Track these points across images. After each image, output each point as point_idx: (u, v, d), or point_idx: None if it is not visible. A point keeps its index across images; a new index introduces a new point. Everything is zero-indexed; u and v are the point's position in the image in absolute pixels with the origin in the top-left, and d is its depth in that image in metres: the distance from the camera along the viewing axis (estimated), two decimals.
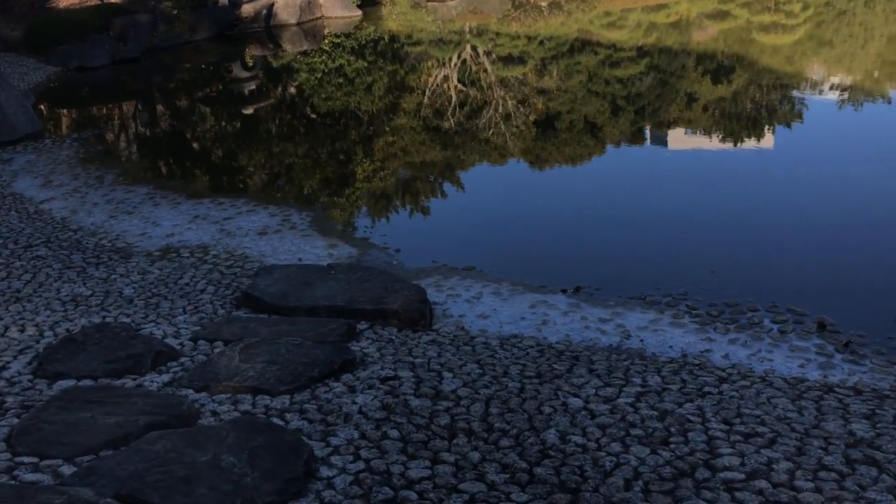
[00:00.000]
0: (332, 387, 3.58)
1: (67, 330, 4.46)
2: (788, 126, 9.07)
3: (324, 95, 12.14)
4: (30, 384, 3.73)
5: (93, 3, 17.55)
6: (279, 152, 9.10)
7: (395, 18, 20.08)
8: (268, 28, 18.04)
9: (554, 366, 3.85)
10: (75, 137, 10.06)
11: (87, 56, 15.06)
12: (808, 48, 13.81)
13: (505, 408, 3.35)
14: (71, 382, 3.75)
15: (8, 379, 3.80)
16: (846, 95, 10.44)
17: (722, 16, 17.68)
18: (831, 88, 10.81)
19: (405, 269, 5.41)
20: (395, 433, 3.13)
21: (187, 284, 5.30)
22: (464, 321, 4.62)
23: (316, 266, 5.34)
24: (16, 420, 3.26)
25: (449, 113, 10.41)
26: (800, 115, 9.49)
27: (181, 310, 4.85)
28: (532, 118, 9.92)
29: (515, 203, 6.99)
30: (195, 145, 9.71)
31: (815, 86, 11.03)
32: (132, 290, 5.18)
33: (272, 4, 18.05)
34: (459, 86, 12.00)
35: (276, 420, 3.25)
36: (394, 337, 4.33)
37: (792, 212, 6.24)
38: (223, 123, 10.98)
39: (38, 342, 4.30)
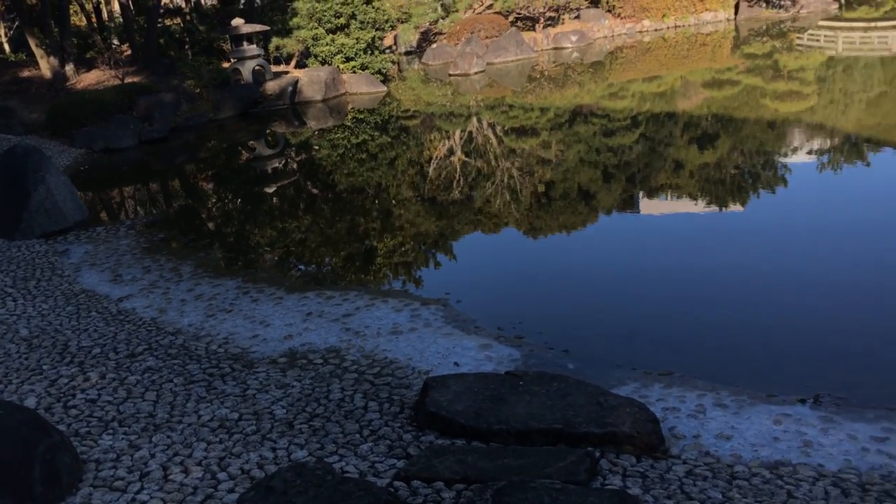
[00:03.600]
0: None
1: (242, 469, 3.69)
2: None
3: (387, 174, 11.57)
4: None
5: (112, 82, 17.04)
6: (361, 235, 8.44)
7: (414, 91, 19.79)
8: (293, 105, 17.60)
9: None
10: (129, 225, 9.35)
11: (113, 137, 14.47)
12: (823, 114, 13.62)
13: None
14: None
15: None
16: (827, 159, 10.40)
17: (726, 84, 17.57)
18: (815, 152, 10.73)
19: (590, 375, 4.70)
20: None
21: (342, 401, 4.56)
22: (703, 443, 3.91)
23: (495, 375, 4.61)
24: None
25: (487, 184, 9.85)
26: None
27: (357, 435, 4.10)
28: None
29: (655, 283, 6.33)
30: (264, 230, 9.02)
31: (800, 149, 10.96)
32: (283, 411, 4.42)
33: (297, 81, 17.64)
34: (468, 158, 11.51)
35: None
36: (642, 470, 3.61)
37: None
38: (283, 205, 10.32)
39: (215, 488, 3.52)
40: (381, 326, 5.75)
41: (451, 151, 12.61)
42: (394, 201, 9.82)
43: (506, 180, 10.33)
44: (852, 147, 10.97)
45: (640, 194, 9.54)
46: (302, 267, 7.64)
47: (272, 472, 3.64)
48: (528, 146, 12.55)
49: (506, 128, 14.41)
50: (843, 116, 13.05)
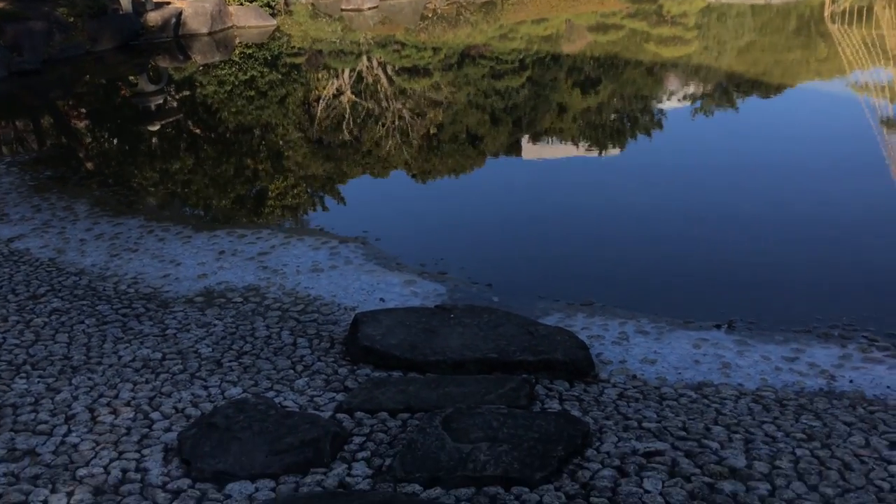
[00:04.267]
0: (592, 469, 2.96)
1: (175, 409, 3.58)
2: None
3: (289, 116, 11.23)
4: (196, 491, 2.88)
5: None
6: (269, 174, 8.20)
7: (303, 26, 19.21)
8: (177, 38, 16.71)
9: (802, 421, 3.39)
10: (9, 161, 8.71)
11: None
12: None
13: (836, 485, 2.85)
14: (247, 485, 2.93)
15: (159, 486, 2.92)
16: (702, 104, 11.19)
17: (611, 28, 18.03)
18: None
19: (516, 307, 4.78)
20: None
21: (269, 338, 4.47)
22: (629, 368, 4.07)
23: (425, 309, 4.63)
24: None
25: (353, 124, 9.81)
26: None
27: (291, 371, 4.04)
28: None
29: (564, 220, 6.51)
30: (160, 169, 8.60)
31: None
32: (209, 350, 4.30)
33: (181, 12, 16.74)
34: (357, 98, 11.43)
35: None
36: (577, 394, 3.74)
37: None
38: (177, 144, 9.86)
39: (150, 428, 3.40)
40: (300, 264, 5.64)
41: (340, 91, 12.38)
42: (284, 142, 9.57)
43: (406, 122, 10.25)
44: (723, 93, 11.59)
45: (536, 137, 9.70)
46: (208, 206, 7.36)
47: (209, 409, 3.54)
48: (420, 87, 12.50)
49: (397, 67, 14.26)
50: (715, 62, 13.67)
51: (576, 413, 3.48)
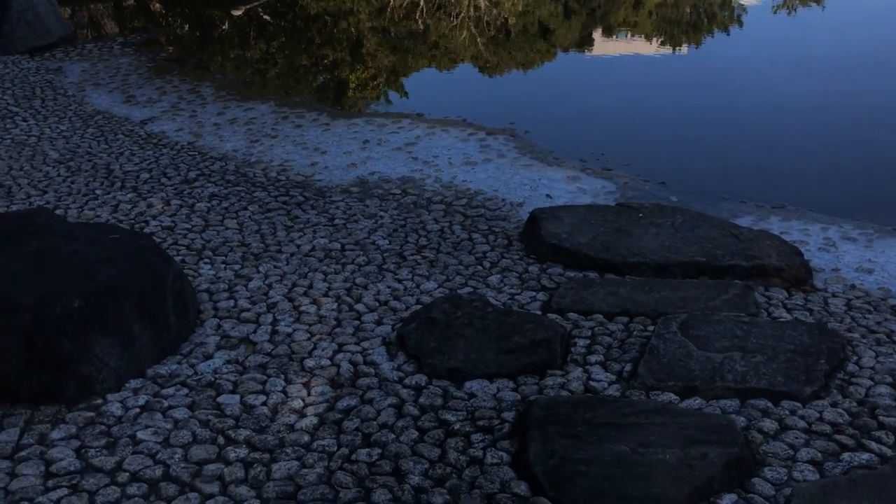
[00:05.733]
0: (864, 385, 2.71)
1: (378, 301, 3.41)
2: None
3: None
4: (437, 388, 2.72)
5: None
6: (399, 60, 7.86)
7: None
8: None
9: None
10: (122, 42, 8.50)
11: None
12: None
13: None
14: (486, 384, 2.76)
15: (396, 381, 2.77)
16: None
17: None
18: None
19: (699, 208, 4.46)
20: None
21: (442, 232, 4.25)
22: (844, 277, 3.77)
23: (608, 207, 4.36)
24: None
25: None
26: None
27: (479, 267, 3.83)
28: None
29: (707, 110, 6.13)
30: (284, 52, 8.31)
31: None
32: (386, 242, 4.10)
33: None
34: None
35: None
36: (801, 303, 3.46)
37: None
38: (295, 29, 9.53)
39: (359, 320, 3.24)
40: (452, 156, 5.37)
41: None
42: (421, 27, 9.16)
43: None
44: None
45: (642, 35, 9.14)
46: (339, 92, 7.09)
47: (411, 303, 3.37)
48: None
49: None
50: None
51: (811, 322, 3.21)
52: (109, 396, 2.61)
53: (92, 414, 2.51)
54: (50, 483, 2.18)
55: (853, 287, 3.67)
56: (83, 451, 2.33)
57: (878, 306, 3.46)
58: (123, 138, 5.76)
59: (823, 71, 7.22)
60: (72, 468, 2.25)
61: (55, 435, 2.40)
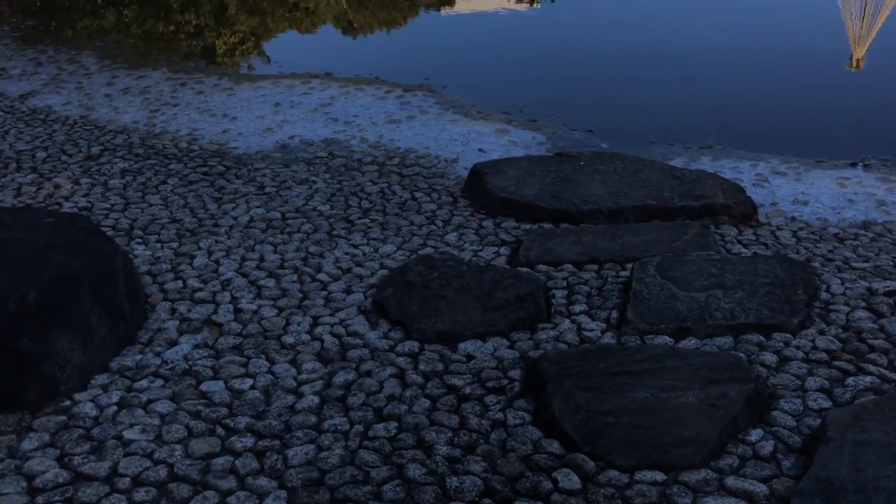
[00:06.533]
0: (842, 311, 2.79)
1: (339, 269, 3.24)
2: None
3: None
4: (433, 353, 2.60)
5: None
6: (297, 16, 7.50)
7: None
8: None
9: None
10: None
11: None
12: None
13: None
14: (481, 344, 2.66)
15: (388, 349, 2.63)
16: None
17: None
18: None
19: (633, 153, 4.49)
20: None
21: (383, 193, 4.09)
22: (784, 210, 3.89)
23: (548, 157, 4.32)
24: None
25: None
26: None
27: (433, 226, 3.71)
28: None
29: (609, 54, 6.20)
30: (151, 13, 7.75)
31: None
32: (328, 207, 3.91)
33: None
34: None
35: None
36: (752, 238, 3.54)
37: None
38: None
39: (325, 289, 3.07)
40: (373, 115, 5.19)
41: None
42: None
43: None
44: None
45: None
46: (235, 55, 6.70)
47: (375, 268, 3.22)
48: None
49: None
50: None
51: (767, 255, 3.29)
52: (77, 396, 2.34)
53: (63, 417, 2.25)
54: (39, 499, 1.93)
55: (794, 219, 3.80)
56: (66, 459, 2.08)
57: (823, 235, 3.59)
58: (4, 115, 5.23)
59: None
60: (60, 480, 2.00)
61: (26, 445, 2.13)
